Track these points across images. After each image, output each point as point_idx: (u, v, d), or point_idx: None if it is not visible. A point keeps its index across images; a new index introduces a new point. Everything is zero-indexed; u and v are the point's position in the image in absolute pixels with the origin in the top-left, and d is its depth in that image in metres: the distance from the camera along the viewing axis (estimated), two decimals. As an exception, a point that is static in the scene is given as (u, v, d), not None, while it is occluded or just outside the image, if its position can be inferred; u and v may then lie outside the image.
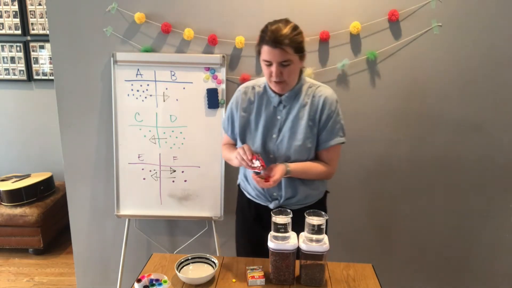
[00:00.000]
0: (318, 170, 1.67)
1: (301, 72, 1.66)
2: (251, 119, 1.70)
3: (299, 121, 1.64)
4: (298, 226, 1.53)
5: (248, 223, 1.83)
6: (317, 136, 1.66)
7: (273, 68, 1.54)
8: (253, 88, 1.72)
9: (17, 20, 3.35)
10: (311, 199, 1.74)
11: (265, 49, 1.53)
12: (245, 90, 1.73)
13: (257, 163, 1.57)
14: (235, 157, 1.62)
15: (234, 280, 1.55)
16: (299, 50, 1.56)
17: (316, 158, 1.71)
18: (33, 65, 3.44)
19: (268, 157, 1.68)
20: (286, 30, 1.52)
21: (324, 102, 1.64)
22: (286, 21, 1.57)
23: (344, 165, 2.33)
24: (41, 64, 3.44)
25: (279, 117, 1.67)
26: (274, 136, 1.67)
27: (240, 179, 1.85)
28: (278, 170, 1.58)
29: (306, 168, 1.66)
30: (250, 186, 1.77)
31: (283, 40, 1.50)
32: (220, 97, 2.22)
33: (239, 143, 1.75)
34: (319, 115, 1.64)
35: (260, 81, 1.73)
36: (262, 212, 1.76)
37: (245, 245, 1.86)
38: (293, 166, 1.62)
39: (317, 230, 1.46)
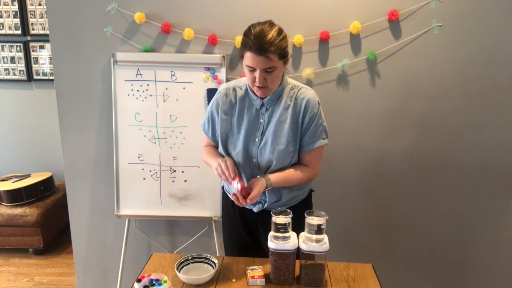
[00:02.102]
0: (300, 177, 1.63)
1: (283, 74, 1.61)
2: (233, 122, 1.65)
3: (282, 124, 1.59)
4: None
5: (234, 227, 1.80)
6: (300, 139, 1.62)
7: (257, 74, 1.49)
8: (234, 89, 1.66)
9: (17, 20, 3.35)
10: (295, 200, 1.72)
11: (249, 55, 1.47)
12: (226, 92, 1.66)
13: (236, 185, 1.51)
14: (215, 168, 1.58)
15: (234, 280, 1.55)
16: (284, 56, 1.51)
17: (298, 160, 1.67)
18: (33, 65, 3.44)
19: (251, 162, 1.65)
20: (270, 35, 1.45)
21: (307, 104, 1.59)
22: (271, 24, 1.50)
23: (344, 165, 2.34)
24: (41, 64, 3.44)
25: (261, 120, 1.62)
26: (257, 139, 1.62)
27: (223, 182, 1.80)
28: (257, 187, 1.54)
29: (287, 177, 1.62)
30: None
31: (268, 48, 1.44)
32: (220, 97, 2.22)
33: (220, 147, 1.70)
34: (302, 118, 1.60)
35: (241, 82, 1.67)
36: (246, 215, 1.75)
37: (233, 249, 1.83)
38: (274, 178, 1.59)
39: (317, 230, 1.46)
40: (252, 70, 1.50)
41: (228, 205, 1.80)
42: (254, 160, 1.64)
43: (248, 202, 1.52)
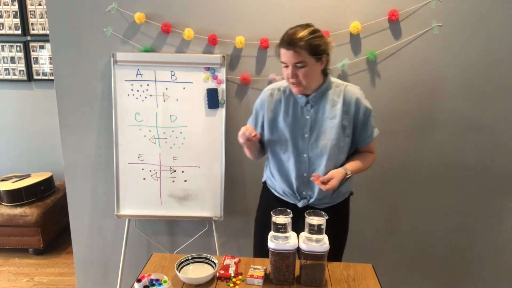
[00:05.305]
0: (369, 163, 1.78)
1: (326, 74, 1.68)
2: (279, 120, 1.71)
3: (331, 121, 1.66)
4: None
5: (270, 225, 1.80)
6: (357, 135, 1.71)
7: (289, 70, 1.58)
8: (279, 89, 1.74)
9: (17, 20, 3.35)
10: (339, 199, 1.78)
11: (281, 51, 1.58)
12: (271, 92, 1.75)
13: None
14: (240, 135, 1.65)
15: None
16: (315, 53, 1.57)
17: (356, 151, 1.78)
18: (33, 65, 3.44)
19: (301, 157, 1.71)
20: (302, 33, 1.55)
21: (357, 103, 1.66)
22: (307, 25, 1.60)
23: (344, 165, 2.34)
24: (41, 64, 3.44)
25: (307, 117, 1.68)
26: (306, 136, 1.69)
27: (267, 177, 1.87)
28: (336, 177, 1.62)
29: (361, 165, 1.73)
30: (278, 184, 1.78)
31: (297, 43, 1.53)
32: (220, 97, 2.22)
33: (267, 144, 1.78)
34: (355, 116, 1.67)
35: (286, 83, 1.74)
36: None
37: (262, 249, 1.75)
38: (350, 167, 1.69)
39: (317, 230, 1.46)
40: (286, 66, 1.59)
41: (269, 200, 1.83)
42: (305, 155, 1.70)
43: (328, 187, 1.61)
